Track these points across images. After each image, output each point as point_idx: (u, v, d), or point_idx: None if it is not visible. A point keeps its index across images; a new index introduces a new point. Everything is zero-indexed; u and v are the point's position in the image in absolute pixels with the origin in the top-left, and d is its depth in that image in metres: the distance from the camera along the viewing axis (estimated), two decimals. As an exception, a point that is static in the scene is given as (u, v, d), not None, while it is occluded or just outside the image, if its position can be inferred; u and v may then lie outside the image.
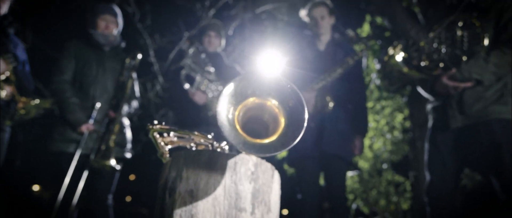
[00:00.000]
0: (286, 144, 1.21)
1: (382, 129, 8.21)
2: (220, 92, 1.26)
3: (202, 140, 1.36)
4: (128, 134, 3.78)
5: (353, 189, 8.33)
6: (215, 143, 1.38)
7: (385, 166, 8.39)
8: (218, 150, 1.41)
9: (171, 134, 1.40)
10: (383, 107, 8.11)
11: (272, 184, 1.34)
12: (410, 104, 6.19)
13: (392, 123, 8.18)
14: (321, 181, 4.02)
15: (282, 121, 1.27)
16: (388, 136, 8.28)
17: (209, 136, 1.34)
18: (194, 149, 1.42)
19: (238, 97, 1.27)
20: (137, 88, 3.93)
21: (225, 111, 1.23)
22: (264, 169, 1.31)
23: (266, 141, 1.26)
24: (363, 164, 8.28)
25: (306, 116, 1.23)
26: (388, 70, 3.19)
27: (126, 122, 3.77)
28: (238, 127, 1.25)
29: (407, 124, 7.62)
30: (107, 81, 3.69)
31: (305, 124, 1.24)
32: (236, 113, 1.27)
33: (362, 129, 3.86)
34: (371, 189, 8.32)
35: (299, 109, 1.25)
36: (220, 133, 1.24)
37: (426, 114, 4.62)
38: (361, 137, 3.83)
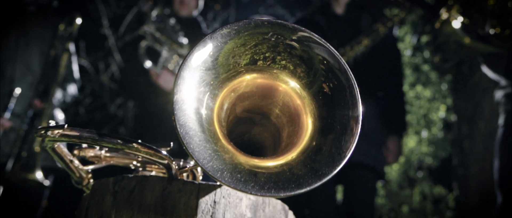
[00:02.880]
0: (320, 170, 0.79)
1: (418, 123, 8.05)
2: (183, 64, 0.83)
3: (151, 157, 0.93)
4: (64, 133, 3.51)
5: (378, 205, 8.15)
6: (175, 163, 0.94)
7: (419, 174, 8.24)
8: (183, 176, 0.98)
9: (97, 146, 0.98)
10: (417, 96, 7.95)
11: (285, 238, 0.94)
12: (454, 92, 5.99)
13: (429, 115, 8.03)
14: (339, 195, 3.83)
15: (309, 123, 0.85)
16: (424, 133, 8.12)
17: (163, 152, 0.91)
18: (139, 173, 1.00)
19: (221, 72, 0.85)
20: (76, 67, 3.86)
21: (193, 100, 0.81)
22: (270, 213, 0.89)
23: (272, 163, 0.87)
24: (390, 171, 8.13)
25: (361, 110, 0.82)
26: (441, 41, 3.10)
27: (59, 115, 3.69)
28: (220, 133, 0.83)
29: (451, 117, 7.43)
30: (32, 57, 3.63)
31: (359, 127, 0.82)
32: (217, 105, 0.87)
33: (398, 126, 3.75)
34: (401, 205, 8.17)
35: (346, 98, 0.82)
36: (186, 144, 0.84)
37: (476, 105, 4.37)
38: (397, 138, 3.73)
